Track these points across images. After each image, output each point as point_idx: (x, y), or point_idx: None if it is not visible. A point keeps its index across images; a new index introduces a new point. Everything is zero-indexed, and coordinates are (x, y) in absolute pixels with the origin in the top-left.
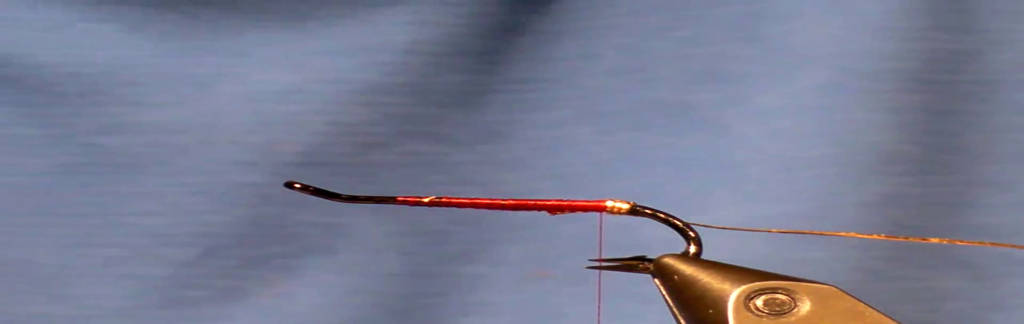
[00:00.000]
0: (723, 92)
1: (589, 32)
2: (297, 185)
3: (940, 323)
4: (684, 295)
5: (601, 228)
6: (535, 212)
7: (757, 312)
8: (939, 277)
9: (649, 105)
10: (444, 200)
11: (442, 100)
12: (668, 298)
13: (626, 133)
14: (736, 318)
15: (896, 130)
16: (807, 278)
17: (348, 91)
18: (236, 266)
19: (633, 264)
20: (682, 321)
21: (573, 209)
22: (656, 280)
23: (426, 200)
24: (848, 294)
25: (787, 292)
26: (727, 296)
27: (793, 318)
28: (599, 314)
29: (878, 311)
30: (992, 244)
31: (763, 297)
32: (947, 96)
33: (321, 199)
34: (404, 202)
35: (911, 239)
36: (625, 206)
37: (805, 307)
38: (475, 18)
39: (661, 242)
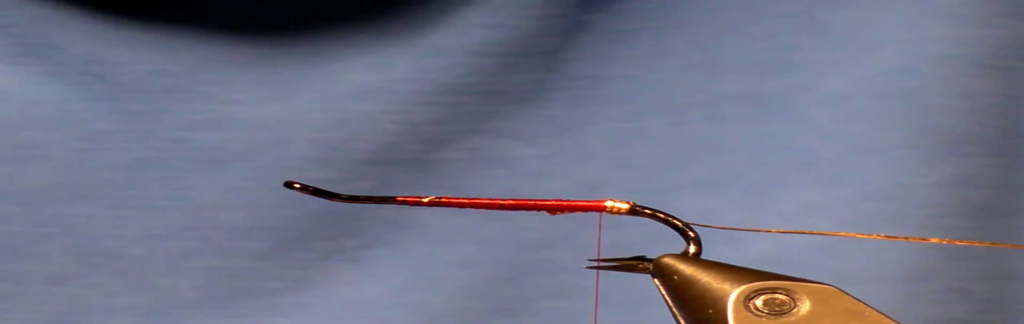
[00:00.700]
0: (794, 80)
1: (660, 31)
2: (297, 185)
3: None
4: (684, 295)
5: (600, 228)
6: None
7: (757, 312)
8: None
9: (722, 97)
10: (444, 200)
11: (510, 98)
12: (668, 298)
13: (699, 124)
14: (736, 318)
15: (968, 114)
16: (806, 278)
17: (419, 91)
18: (308, 258)
19: (633, 264)
20: (682, 321)
21: (573, 209)
22: (656, 280)
23: (426, 200)
24: (848, 294)
25: (787, 292)
26: (727, 296)
27: (793, 318)
28: (596, 314)
29: (878, 311)
30: (992, 244)
31: (763, 297)
32: (1018, 81)
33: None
34: (404, 202)
35: (911, 239)
36: (624, 206)
37: (805, 307)
38: (546, 19)
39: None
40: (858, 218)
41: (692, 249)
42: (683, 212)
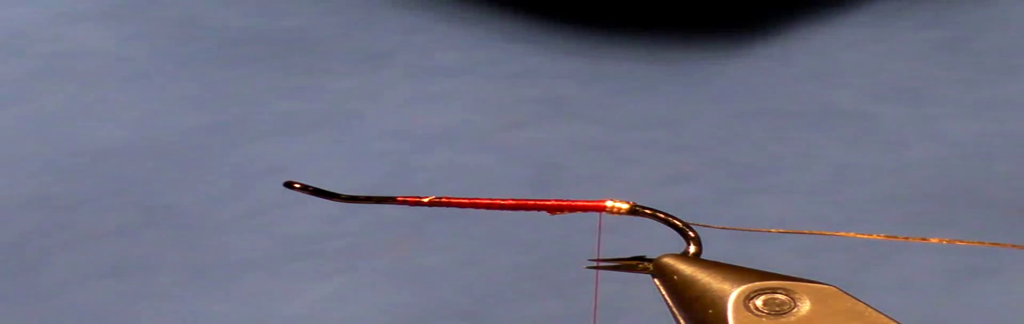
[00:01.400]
0: (907, 108)
1: (782, 38)
2: (297, 185)
3: None
4: (683, 295)
5: (600, 229)
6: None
7: (757, 312)
8: None
9: (828, 111)
10: (444, 200)
11: (614, 87)
12: (667, 298)
13: (800, 132)
14: (736, 318)
15: None
16: (807, 278)
17: (513, 73)
18: (368, 224)
19: (632, 264)
20: (682, 321)
21: (573, 209)
22: (655, 280)
23: (426, 200)
24: (848, 294)
25: (787, 292)
26: (727, 296)
27: (793, 318)
28: (595, 313)
29: (878, 311)
30: (992, 244)
31: (763, 297)
32: None
33: (465, 172)
34: (404, 202)
35: (911, 239)
36: (624, 206)
37: (805, 307)
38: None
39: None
40: None
41: (692, 249)
42: (752, 215)
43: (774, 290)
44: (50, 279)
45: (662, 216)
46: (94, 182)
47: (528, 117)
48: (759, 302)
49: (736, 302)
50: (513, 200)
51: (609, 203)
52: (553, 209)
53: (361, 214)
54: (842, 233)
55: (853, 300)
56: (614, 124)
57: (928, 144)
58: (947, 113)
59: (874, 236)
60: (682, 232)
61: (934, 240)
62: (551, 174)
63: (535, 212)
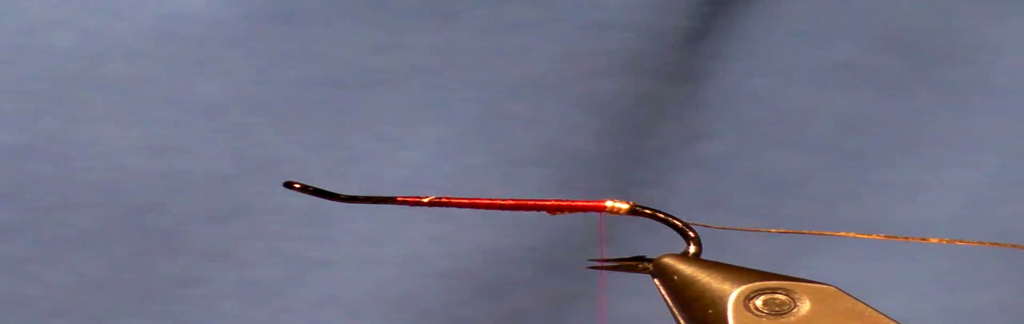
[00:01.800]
0: (908, 59)
1: None
2: (297, 185)
3: None
4: (683, 295)
5: (602, 229)
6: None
7: (757, 312)
8: None
9: (830, 66)
10: (443, 200)
11: (668, 41)
12: (667, 298)
13: (803, 87)
14: (736, 318)
15: None
16: (807, 278)
17: (581, 26)
18: (455, 170)
19: (633, 264)
20: (682, 321)
21: (572, 209)
22: (656, 280)
23: (426, 200)
24: (848, 294)
25: (787, 292)
26: (727, 296)
27: (793, 318)
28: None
29: (878, 311)
30: (992, 244)
31: (763, 297)
32: None
33: (545, 119)
34: (404, 202)
35: (910, 239)
36: (624, 206)
37: (805, 307)
38: None
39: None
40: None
41: (692, 249)
42: (767, 170)
43: (774, 290)
44: (166, 220)
45: (662, 216)
46: (203, 133)
47: (601, 68)
48: (759, 302)
49: (736, 302)
50: (513, 200)
51: (609, 203)
52: (553, 209)
53: (452, 160)
54: (842, 233)
55: (853, 300)
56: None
57: (930, 93)
58: (940, 60)
59: (874, 236)
60: (682, 232)
61: (934, 240)
62: (620, 124)
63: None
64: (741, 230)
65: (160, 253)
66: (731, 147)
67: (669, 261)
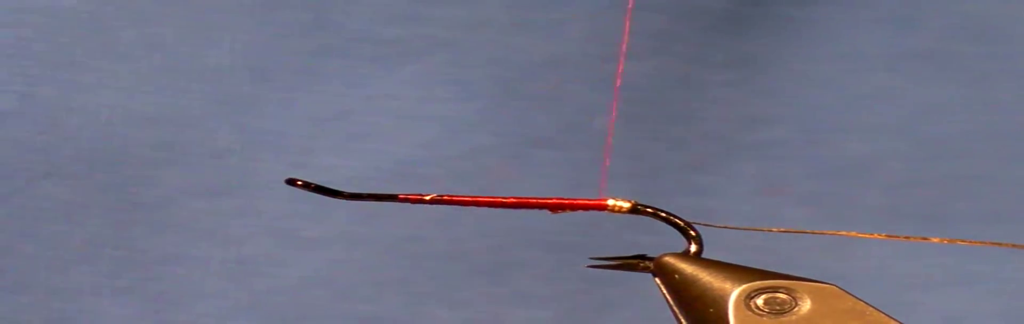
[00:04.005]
0: (988, 48)
1: None
2: (299, 182)
3: None
4: (684, 294)
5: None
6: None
7: (758, 311)
8: None
9: (908, 53)
10: (445, 198)
11: (705, 23)
12: (668, 297)
13: (878, 74)
14: (737, 317)
15: None
16: (808, 277)
17: (608, 5)
18: (467, 150)
19: (634, 263)
20: (683, 320)
21: (574, 208)
22: (656, 279)
23: (428, 198)
24: (849, 293)
25: (788, 291)
26: (728, 295)
27: (794, 317)
28: None
29: (879, 310)
30: (993, 244)
31: (764, 296)
32: None
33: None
34: (405, 200)
35: (911, 238)
36: (626, 205)
37: (806, 306)
38: None
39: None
40: None
41: (693, 248)
42: (835, 157)
43: (775, 289)
44: (154, 194)
45: (663, 215)
46: (205, 104)
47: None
48: (760, 301)
49: (737, 301)
50: (515, 198)
51: (610, 202)
52: (555, 207)
53: (465, 140)
54: (842, 233)
55: (854, 299)
56: (704, 62)
57: (1012, 83)
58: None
59: (874, 236)
60: (683, 231)
61: (935, 240)
62: (642, 108)
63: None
64: (742, 229)
65: (144, 228)
66: (793, 133)
67: (670, 260)
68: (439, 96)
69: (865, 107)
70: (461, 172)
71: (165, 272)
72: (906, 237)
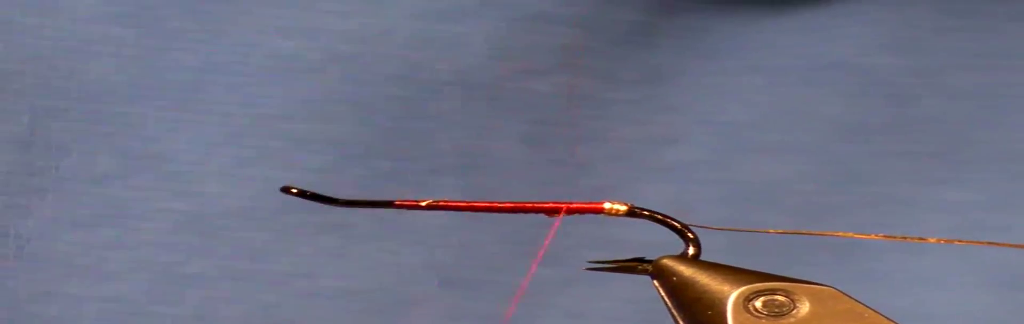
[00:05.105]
0: (906, 60)
1: None
2: (293, 190)
3: None
4: (683, 297)
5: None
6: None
7: (756, 313)
8: None
9: (826, 66)
10: (441, 203)
11: (612, 37)
12: (666, 300)
13: (795, 88)
14: (735, 319)
15: None
16: (806, 279)
17: (516, 17)
18: (365, 176)
19: (631, 265)
20: (681, 323)
21: (571, 212)
22: (655, 282)
23: (423, 204)
24: (847, 295)
25: (786, 293)
26: (726, 297)
27: (792, 319)
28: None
29: (877, 312)
30: (992, 244)
31: (762, 298)
32: None
33: (467, 122)
34: (401, 206)
35: (909, 239)
36: (623, 208)
37: (804, 308)
38: None
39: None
40: None
41: (691, 250)
42: (745, 180)
43: (773, 291)
44: (24, 225)
45: (660, 217)
46: (82, 125)
47: (533, 65)
48: (758, 303)
49: (735, 304)
50: (512, 203)
51: (607, 205)
52: (551, 211)
53: (361, 165)
54: (841, 233)
55: (853, 301)
56: (611, 78)
57: (933, 99)
58: (953, 64)
59: (873, 236)
60: (681, 233)
61: (932, 240)
62: (548, 128)
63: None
64: (741, 231)
65: (11, 264)
66: (704, 154)
67: (668, 262)
68: (333, 117)
69: (779, 125)
70: (352, 196)
71: (34, 312)
72: (904, 237)
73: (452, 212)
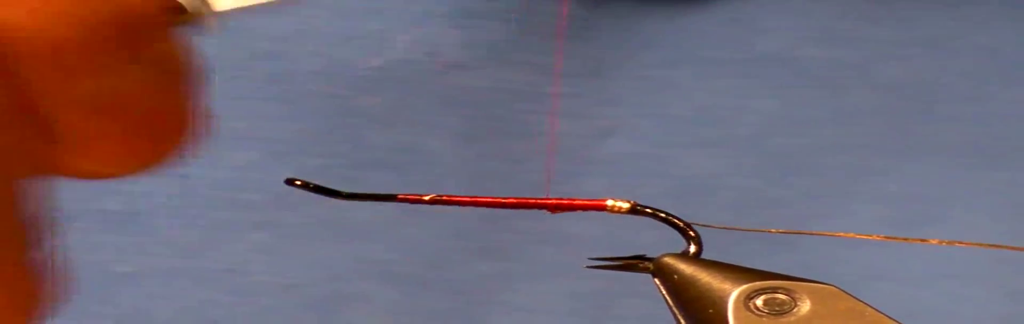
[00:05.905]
0: (837, 51)
1: None
2: (298, 182)
3: None
4: (684, 295)
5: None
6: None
7: (757, 312)
8: None
9: (760, 58)
10: (445, 198)
11: (543, 31)
12: (668, 298)
13: (731, 80)
14: (736, 318)
15: None
16: (807, 277)
17: (439, 13)
18: (293, 173)
19: (633, 263)
20: (682, 321)
21: (574, 208)
22: (656, 280)
23: (427, 198)
24: (848, 294)
25: (787, 292)
26: (727, 296)
27: (793, 318)
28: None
29: (878, 311)
30: (992, 246)
31: (763, 297)
32: None
33: (398, 118)
34: (404, 200)
35: (910, 240)
36: (625, 205)
37: (805, 307)
38: None
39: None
40: None
41: (692, 249)
42: (683, 174)
43: (774, 290)
44: None
45: (663, 215)
46: None
47: (464, 60)
48: (759, 302)
49: (736, 302)
50: (515, 199)
51: (610, 202)
52: (554, 208)
53: (291, 162)
54: (841, 233)
55: (853, 300)
56: (548, 72)
57: (865, 92)
58: (881, 55)
59: (873, 236)
60: (682, 231)
61: (933, 241)
62: (482, 123)
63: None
64: (742, 230)
65: None
66: (642, 147)
67: (669, 260)
68: (263, 114)
69: (716, 118)
70: (286, 198)
71: None
72: (904, 238)
73: (392, 208)
